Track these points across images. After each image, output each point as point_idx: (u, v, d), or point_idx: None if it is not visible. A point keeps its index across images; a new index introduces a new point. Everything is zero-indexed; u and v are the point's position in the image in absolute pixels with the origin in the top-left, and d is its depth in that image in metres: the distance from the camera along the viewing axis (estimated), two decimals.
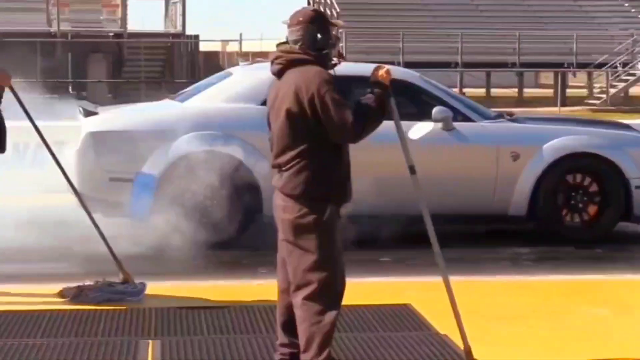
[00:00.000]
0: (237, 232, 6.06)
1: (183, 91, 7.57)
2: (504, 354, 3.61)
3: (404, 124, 3.58)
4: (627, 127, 7.66)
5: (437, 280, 3.51)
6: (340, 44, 12.31)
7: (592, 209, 6.60)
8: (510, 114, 7.41)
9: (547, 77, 26.89)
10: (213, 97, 6.56)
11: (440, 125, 6.24)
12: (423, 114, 6.25)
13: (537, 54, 23.58)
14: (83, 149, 6.25)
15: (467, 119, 6.59)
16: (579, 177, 6.64)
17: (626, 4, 26.60)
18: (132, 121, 6.61)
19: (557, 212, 6.62)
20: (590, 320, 4.34)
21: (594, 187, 6.60)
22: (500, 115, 7.15)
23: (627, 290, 5.02)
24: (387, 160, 5.46)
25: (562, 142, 6.59)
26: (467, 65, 22.72)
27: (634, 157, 6.60)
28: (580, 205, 6.58)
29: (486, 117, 6.81)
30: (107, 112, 7.16)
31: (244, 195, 6.07)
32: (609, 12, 26.33)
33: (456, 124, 6.41)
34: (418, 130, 5.84)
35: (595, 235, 6.61)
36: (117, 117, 6.89)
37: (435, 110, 6.29)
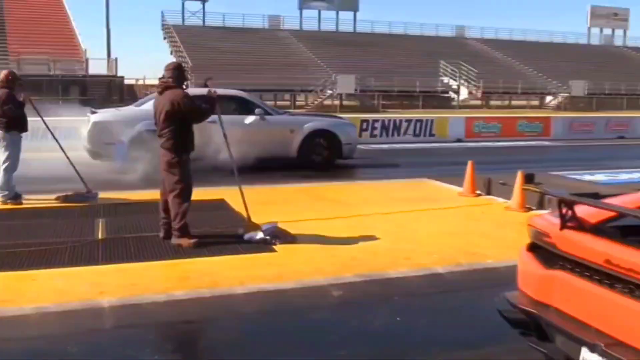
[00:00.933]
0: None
1: (138, 102, 14.66)
2: (267, 219, 7.38)
3: (242, 117, 12.79)
4: (340, 117, 16.30)
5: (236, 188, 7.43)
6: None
7: (325, 153, 13.52)
8: (290, 113, 17.32)
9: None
10: (149, 105, 9.71)
11: (259, 117, 12.97)
12: (250, 112, 13.05)
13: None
14: (92, 130, 12.59)
15: (270, 114, 13.38)
16: (320, 139, 13.53)
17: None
18: (114, 116, 13.19)
19: (310, 154, 13.40)
20: (312, 205, 9.18)
21: (327, 144, 13.52)
22: (286, 112, 15.85)
23: (339, 190, 10.84)
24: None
25: (312, 124, 13.72)
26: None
27: (343, 131, 13.92)
28: (320, 152, 13.48)
29: (280, 113, 14.28)
30: (100, 111, 13.49)
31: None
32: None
33: (267, 117, 13.11)
34: (248, 119, 12.91)
35: (329, 165, 13.48)
36: (106, 114, 13.40)
37: (256, 110, 13.08)
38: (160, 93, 6.89)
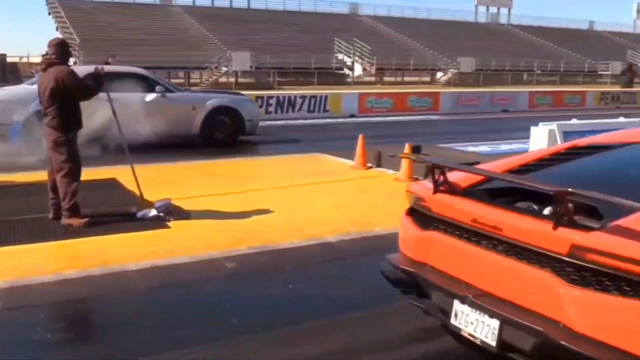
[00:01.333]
0: None
1: (30, 80, 14.05)
2: (161, 196, 7.42)
3: (142, 95, 12.58)
4: (241, 94, 16.28)
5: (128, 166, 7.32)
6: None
7: (228, 130, 13.44)
8: (190, 90, 18.20)
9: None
10: None
11: (160, 95, 12.71)
12: (151, 89, 12.78)
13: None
14: None
15: (171, 91, 13.17)
16: (223, 116, 13.43)
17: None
18: (7, 95, 12.56)
19: (213, 131, 13.29)
20: (207, 182, 9.22)
21: (229, 121, 13.47)
22: (186, 90, 16.67)
23: (233, 166, 10.83)
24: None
25: (214, 100, 13.57)
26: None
27: (245, 107, 13.93)
28: (223, 128, 13.39)
29: (181, 91, 14.25)
30: None
31: None
32: None
33: (168, 94, 12.89)
34: (149, 97, 12.65)
35: (232, 142, 13.39)
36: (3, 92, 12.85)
37: (157, 87, 12.81)
38: (44, 70, 6.69)
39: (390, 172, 9.94)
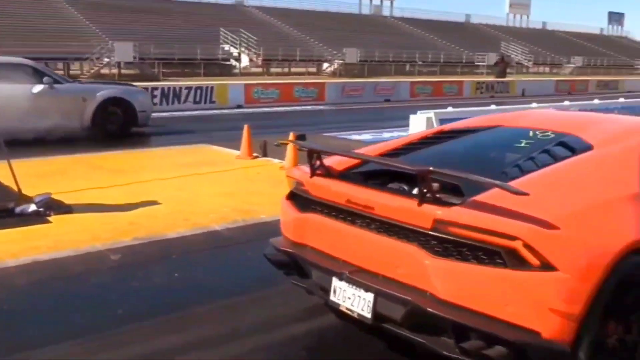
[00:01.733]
0: None
1: None
2: (42, 191, 7.13)
3: (29, 86, 11.93)
4: (133, 85, 15.89)
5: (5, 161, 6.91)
6: None
7: (120, 121, 13.27)
8: (81, 80, 16.84)
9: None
10: None
11: (47, 86, 12.19)
12: (39, 81, 12.20)
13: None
14: None
15: (59, 82, 12.71)
16: (115, 108, 13.20)
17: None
18: None
19: (105, 123, 13.02)
20: (90, 175, 8.97)
21: (121, 112, 13.27)
22: (76, 80, 15.54)
23: (117, 158, 10.52)
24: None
25: (105, 92, 13.26)
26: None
27: (137, 98, 13.69)
28: (115, 120, 13.17)
29: (70, 82, 13.73)
30: None
31: None
32: None
33: (56, 86, 12.39)
34: (37, 88, 12.12)
35: (124, 134, 13.23)
36: None
37: (45, 79, 12.26)
38: None
39: (276, 161, 10.10)
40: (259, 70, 42.27)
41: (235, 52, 41.16)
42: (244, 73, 39.68)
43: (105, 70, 34.88)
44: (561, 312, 2.96)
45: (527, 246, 2.94)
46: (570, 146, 3.90)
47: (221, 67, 39.50)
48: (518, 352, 2.98)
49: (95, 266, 5.37)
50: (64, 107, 12.29)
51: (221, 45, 41.28)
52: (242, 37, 41.16)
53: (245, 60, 41.38)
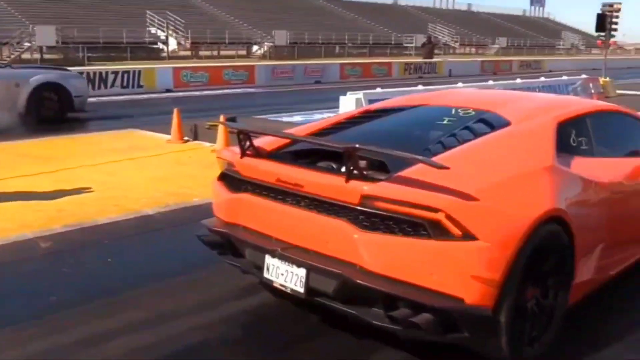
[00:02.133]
0: None
1: None
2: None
3: None
4: (68, 69, 15.29)
5: None
6: None
7: (56, 106, 13.00)
8: (12, 66, 15.00)
9: None
10: None
11: None
12: None
13: None
14: None
15: None
16: (50, 93, 12.88)
17: None
18: None
19: (40, 109, 12.68)
20: (15, 163, 8.68)
21: (56, 97, 12.97)
22: (8, 65, 14.73)
23: (43, 145, 10.25)
24: None
25: (39, 77, 12.90)
26: None
27: (73, 83, 13.40)
28: (50, 105, 12.88)
29: (1, 67, 13.71)
30: None
31: None
32: None
33: None
34: None
35: (60, 119, 12.94)
36: None
37: None
38: None
39: (207, 144, 10.07)
40: (188, 53, 41.61)
41: (162, 35, 40.38)
42: (172, 57, 39.00)
43: (26, 55, 33.65)
44: (482, 278, 3.13)
45: (449, 217, 3.10)
46: (489, 123, 4.09)
47: (148, 51, 38.68)
48: (443, 317, 3.15)
49: (26, 254, 5.28)
50: None
51: (148, 29, 40.40)
52: (169, 19, 40.39)
53: (173, 44, 40.67)
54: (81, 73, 20.16)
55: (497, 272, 3.16)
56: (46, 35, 32.93)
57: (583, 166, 4.00)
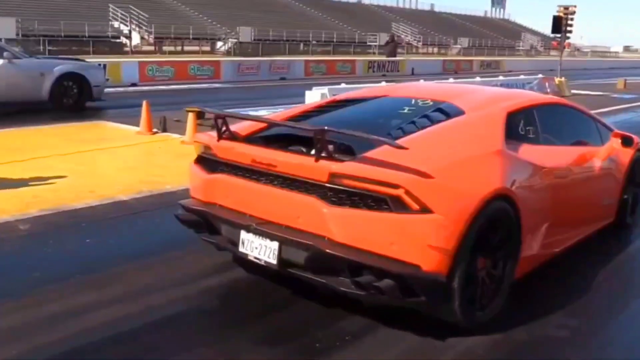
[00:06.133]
0: None
1: None
2: None
3: None
4: (86, 61, 16.15)
5: None
6: None
7: (76, 96, 13.73)
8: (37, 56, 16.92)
9: None
10: None
11: (7, 61, 12.71)
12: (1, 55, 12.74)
13: None
14: None
15: (18, 57, 13.17)
16: (71, 82, 13.61)
17: None
18: None
19: (61, 97, 13.49)
20: None
21: (77, 87, 13.71)
22: (33, 56, 15.58)
23: (12, 136, 10.42)
24: None
25: (62, 67, 13.65)
26: None
27: (93, 73, 14.19)
28: (71, 94, 13.65)
29: (27, 57, 14.07)
30: None
31: None
32: None
33: (15, 60, 12.93)
34: None
35: (80, 107, 13.73)
36: None
37: (5, 53, 12.77)
38: None
39: (176, 136, 10.32)
40: (151, 48, 41.45)
41: (125, 29, 40.16)
42: (135, 51, 38.84)
43: None
44: (437, 248, 3.51)
45: (408, 193, 3.47)
46: (445, 112, 4.48)
47: (111, 45, 38.44)
48: (402, 282, 3.51)
49: (5, 236, 5.47)
50: (23, 81, 12.95)
51: (110, 22, 40.14)
52: (132, 13, 40.20)
53: (136, 38, 40.49)
54: None
55: (450, 242, 3.54)
56: (6, 27, 32.54)
57: (529, 152, 4.42)
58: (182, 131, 10.12)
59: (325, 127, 3.66)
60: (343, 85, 13.59)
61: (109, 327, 3.88)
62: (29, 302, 4.19)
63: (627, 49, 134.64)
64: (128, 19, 40.08)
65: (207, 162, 4.38)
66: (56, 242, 5.34)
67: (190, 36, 42.71)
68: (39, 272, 4.70)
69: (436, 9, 78.88)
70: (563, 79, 23.48)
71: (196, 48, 43.79)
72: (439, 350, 3.73)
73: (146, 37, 40.84)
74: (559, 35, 25.23)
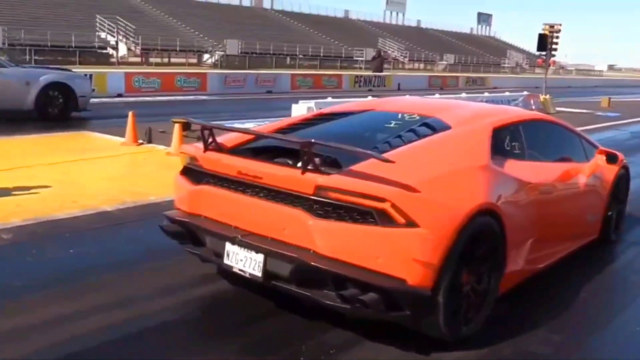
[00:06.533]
0: None
1: None
2: None
3: None
4: (72, 70, 16.22)
5: None
6: None
7: (61, 105, 13.77)
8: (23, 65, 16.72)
9: None
10: None
11: None
12: None
13: None
14: None
15: (3, 66, 13.23)
16: (56, 92, 13.61)
17: None
18: None
19: (47, 107, 13.47)
20: None
21: (62, 97, 13.72)
22: (18, 65, 14.94)
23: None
24: None
25: (48, 76, 13.65)
26: None
27: (78, 83, 14.14)
28: (56, 104, 13.67)
29: (13, 65, 14.01)
30: None
31: None
32: None
33: (1, 69, 12.90)
34: None
35: (65, 117, 13.67)
36: None
37: None
38: None
39: (162, 147, 10.28)
40: (138, 60, 41.40)
41: (112, 40, 40.09)
42: (122, 62, 38.77)
43: None
44: (423, 262, 3.51)
45: (394, 206, 3.47)
46: (432, 126, 4.50)
47: (97, 56, 38.40)
48: (387, 296, 3.50)
49: None
50: (8, 90, 12.87)
51: (97, 33, 40.07)
52: (119, 24, 40.17)
53: (123, 49, 40.42)
54: None
55: (435, 256, 3.54)
56: None
57: (515, 168, 4.44)
58: (167, 142, 10.08)
59: (312, 140, 3.66)
60: (330, 99, 13.64)
61: (90, 337, 3.83)
62: (7, 311, 4.14)
63: (611, 67, 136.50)
64: (115, 30, 40.02)
65: (193, 173, 4.36)
66: (39, 252, 5.29)
67: (177, 48, 42.73)
68: (19, 281, 4.64)
69: (423, 25, 79.52)
70: (548, 96, 23.70)
71: (183, 60, 43.80)
72: None
73: (133, 48, 40.78)
74: (544, 53, 25.49)
